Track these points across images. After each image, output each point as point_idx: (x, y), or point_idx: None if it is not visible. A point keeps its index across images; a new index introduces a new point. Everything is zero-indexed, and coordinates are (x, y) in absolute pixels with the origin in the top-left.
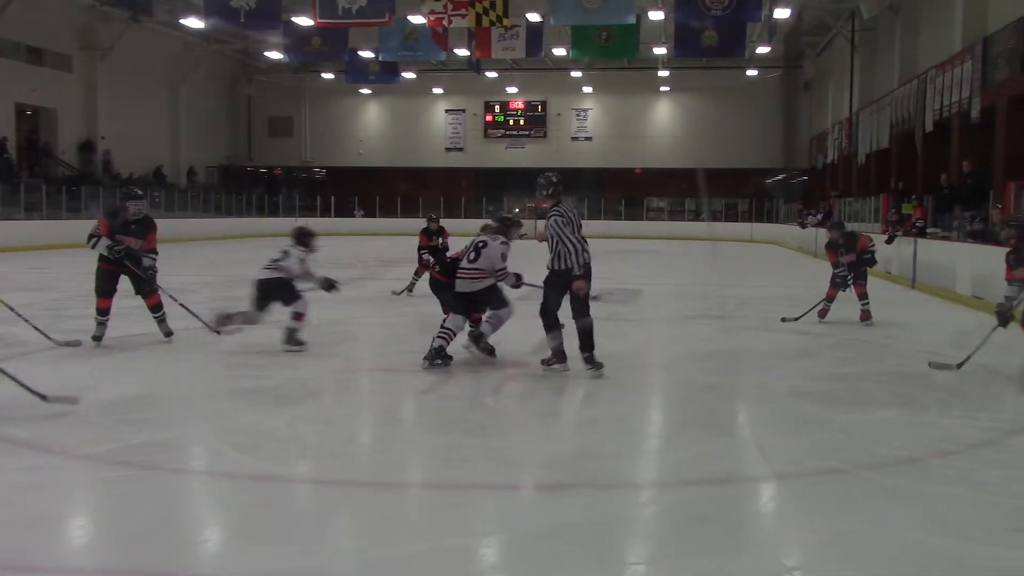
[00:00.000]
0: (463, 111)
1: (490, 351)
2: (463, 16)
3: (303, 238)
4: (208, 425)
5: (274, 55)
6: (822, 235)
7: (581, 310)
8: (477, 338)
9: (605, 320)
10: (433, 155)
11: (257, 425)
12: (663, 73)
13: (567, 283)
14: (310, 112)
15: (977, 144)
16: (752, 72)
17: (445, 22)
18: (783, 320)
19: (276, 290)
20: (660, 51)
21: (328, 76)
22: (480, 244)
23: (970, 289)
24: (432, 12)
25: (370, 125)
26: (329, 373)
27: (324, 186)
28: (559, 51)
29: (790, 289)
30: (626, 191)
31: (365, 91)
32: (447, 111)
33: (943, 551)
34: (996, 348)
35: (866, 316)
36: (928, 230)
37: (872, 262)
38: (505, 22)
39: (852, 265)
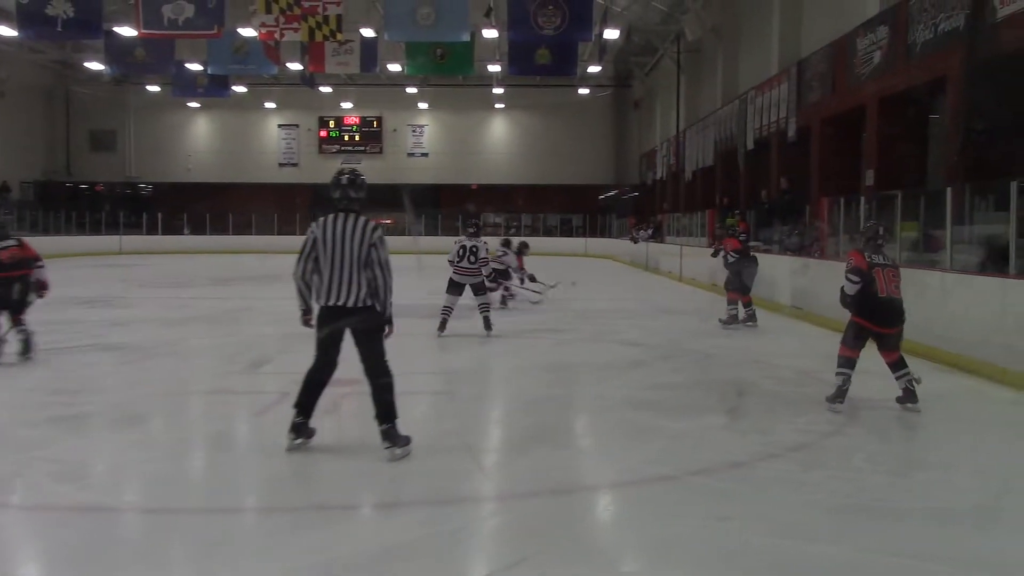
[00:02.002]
0: (297, 126)
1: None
2: (295, 30)
3: None
4: (23, 455)
5: (95, 66)
6: (653, 249)
7: (370, 363)
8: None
9: (443, 336)
10: (266, 171)
11: (77, 453)
12: (498, 90)
13: (322, 322)
14: (135, 126)
15: (794, 161)
16: (584, 91)
17: (277, 36)
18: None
19: None
20: (495, 69)
21: (154, 89)
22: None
23: (789, 299)
24: (263, 25)
25: (199, 140)
26: (156, 396)
27: (150, 203)
28: (394, 67)
29: (624, 302)
30: (463, 207)
31: (194, 105)
32: (280, 126)
33: (769, 550)
34: (817, 356)
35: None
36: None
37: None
38: (339, 37)
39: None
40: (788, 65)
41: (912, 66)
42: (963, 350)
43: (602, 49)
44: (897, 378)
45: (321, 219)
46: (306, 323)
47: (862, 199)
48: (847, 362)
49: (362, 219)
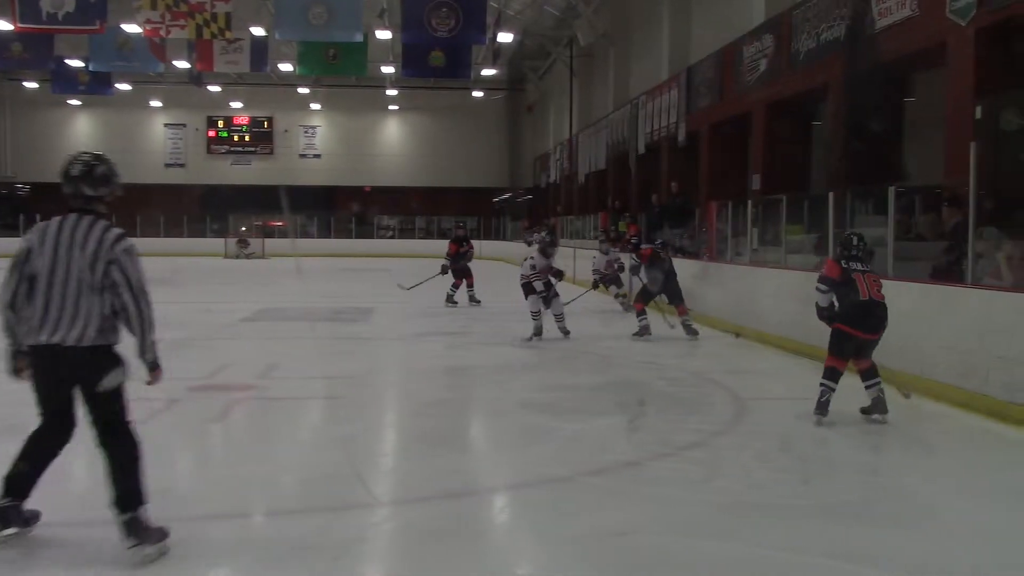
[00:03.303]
0: (184, 125)
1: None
2: (182, 27)
3: None
4: None
5: None
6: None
7: (102, 425)
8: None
9: (337, 339)
10: (151, 171)
11: None
12: (392, 92)
13: (37, 368)
14: (11, 123)
15: (684, 166)
16: (478, 93)
17: (162, 33)
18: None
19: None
20: (388, 70)
21: (32, 85)
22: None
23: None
24: (148, 22)
25: (81, 138)
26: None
27: (28, 203)
28: (286, 67)
29: (519, 304)
30: (356, 208)
31: (75, 102)
32: (166, 125)
33: (662, 548)
34: (708, 356)
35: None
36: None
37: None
38: (228, 35)
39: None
40: (678, 71)
41: (796, 74)
42: None
43: (496, 52)
44: (867, 387)
45: (43, 223)
46: (17, 372)
47: (749, 203)
48: (832, 373)
49: (100, 224)
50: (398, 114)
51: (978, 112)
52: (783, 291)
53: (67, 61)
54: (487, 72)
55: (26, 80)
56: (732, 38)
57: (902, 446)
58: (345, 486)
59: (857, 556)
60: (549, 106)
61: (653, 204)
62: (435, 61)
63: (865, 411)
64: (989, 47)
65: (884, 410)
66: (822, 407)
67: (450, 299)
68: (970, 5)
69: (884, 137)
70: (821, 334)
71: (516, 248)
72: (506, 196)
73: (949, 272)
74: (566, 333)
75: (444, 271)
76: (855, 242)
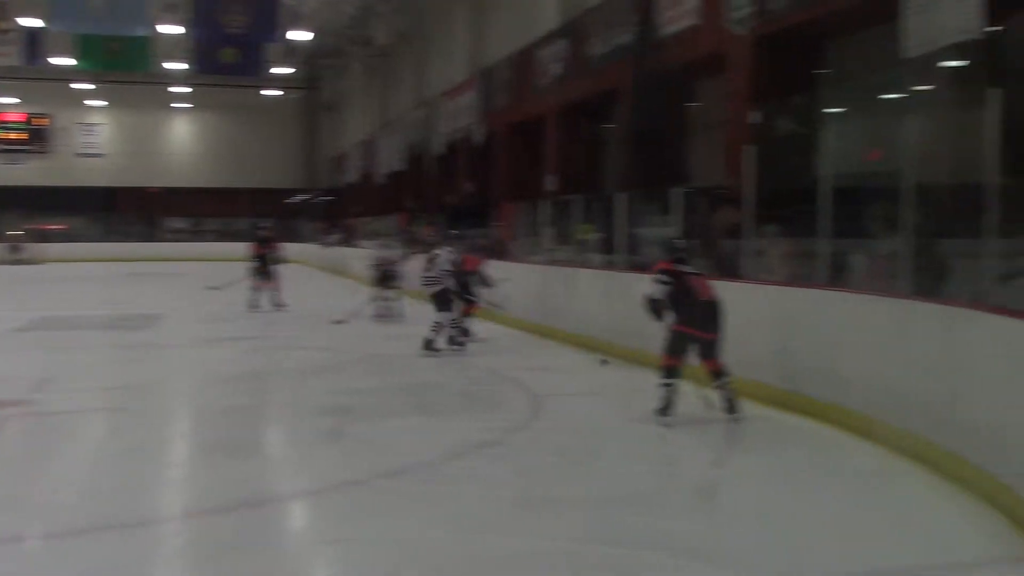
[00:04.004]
0: None
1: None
2: None
3: None
4: None
5: None
6: (342, 254)
7: None
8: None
9: (121, 348)
10: None
11: None
12: (182, 89)
13: None
14: None
15: (482, 166)
16: (272, 92)
17: None
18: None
19: None
20: (177, 66)
21: None
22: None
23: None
24: None
25: None
26: None
27: None
28: (65, 60)
29: (313, 306)
30: (142, 210)
31: None
32: None
33: (455, 546)
34: (507, 354)
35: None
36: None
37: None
38: None
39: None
40: (475, 72)
41: (589, 77)
42: (643, 345)
43: (291, 50)
44: (717, 387)
45: None
46: None
47: (544, 203)
48: (671, 371)
49: None
50: (189, 112)
51: (755, 116)
52: (579, 289)
53: None
54: (282, 70)
55: None
56: (529, 40)
57: (692, 436)
58: (132, 501)
59: (643, 542)
60: (347, 106)
61: (448, 204)
62: (227, 57)
63: (727, 411)
64: (767, 55)
65: (735, 409)
66: (670, 407)
67: (253, 303)
68: (749, 16)
69: (669, 140)
70: (619, 332)
71: (312, 250)
72: (301, 197)
73: (731, 269)
74: (461, 345)
75: (252, 274)
76: (679, 245)
